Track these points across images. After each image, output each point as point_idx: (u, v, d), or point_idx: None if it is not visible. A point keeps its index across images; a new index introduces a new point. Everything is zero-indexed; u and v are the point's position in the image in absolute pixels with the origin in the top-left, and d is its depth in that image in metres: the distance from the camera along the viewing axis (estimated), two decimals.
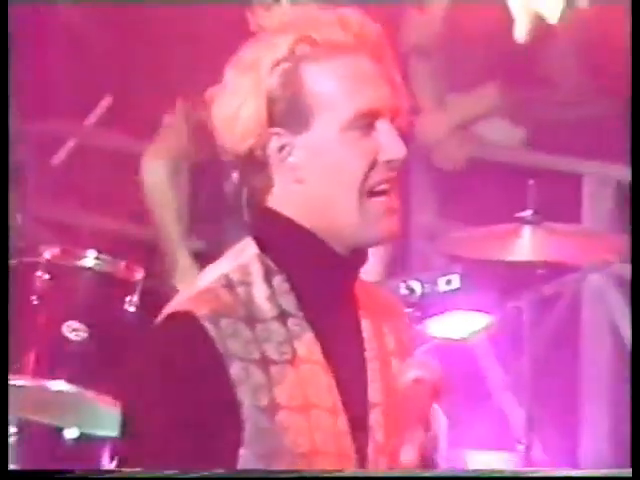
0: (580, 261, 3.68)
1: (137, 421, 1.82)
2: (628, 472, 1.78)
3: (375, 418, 1.84)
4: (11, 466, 3.47)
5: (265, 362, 1.78)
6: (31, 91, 5.00)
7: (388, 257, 3.80)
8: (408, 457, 2.03)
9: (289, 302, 1.85)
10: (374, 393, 1.85)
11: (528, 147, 4.22)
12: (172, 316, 1.81)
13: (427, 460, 2.02)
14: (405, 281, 3.31)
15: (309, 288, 1.87)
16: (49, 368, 3.20)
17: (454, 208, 4.37)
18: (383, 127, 1.78)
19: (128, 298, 3.20)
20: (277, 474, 1.75)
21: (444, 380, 2.23)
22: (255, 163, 1.82)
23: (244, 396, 1.74)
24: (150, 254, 3.91)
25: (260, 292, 1.85)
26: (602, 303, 4.08)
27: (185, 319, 1.79)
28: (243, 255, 1.82)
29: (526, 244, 3.27)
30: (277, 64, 1.77)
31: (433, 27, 4.32)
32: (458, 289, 3.40)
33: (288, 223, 1.81)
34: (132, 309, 3.32)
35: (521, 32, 4.15)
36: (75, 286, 3.38)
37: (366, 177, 1.78)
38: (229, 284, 1.81)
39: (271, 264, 1.82)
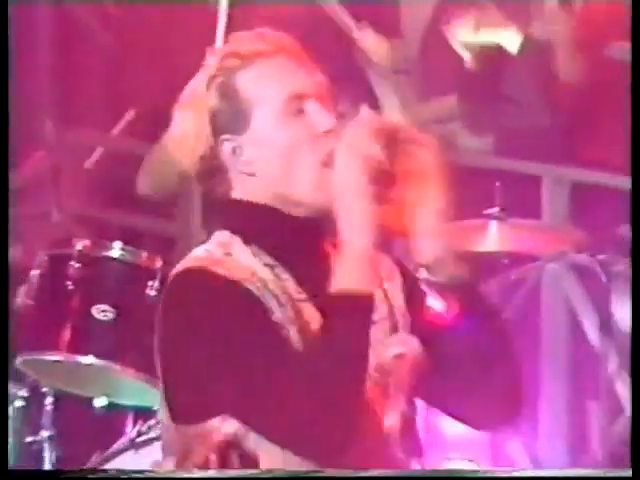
0: (540, 251, 3.95)
1: (193, 374, 1.92)
2: (628, 472, 1.86)
3: None
4: (47, 432, 3.65)
5: (289, 300, 1.94)
6: (68, 103, 5.14)
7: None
8: (391, 423, 2.31)
9: (268, 259, 2.02)
10: None
11: (495, 153, 4.44)
12: (187, 272, 1.95)
13: (407, 426, 2.18)
14: None
15: (281, 252, 2.03)
16: (81, 345, 3.39)
17: None
18: (310, 106, 1.99)
19: (150, 283, 3.36)
20: (277, 474, 1.84)
21: (423, 356, 2.59)
22: (213, 171, 2.03)
23: (290, 331, 1.88)
24: (168, 245, 4.18)
25: (244, 255, 2.02)
26: (559, 289, 4.27)
27: (201, 273, 1.95)
28: (219, 237, 2.00)
29: (493, 237, 3.64)
30: (212, 80, 2.00)
31: (405, 51, 4.67)
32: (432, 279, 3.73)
33: (251, 205, 1.99)
34: (153, 293, 3.34)
35: (471, 63, 4.40)
36: (103, 273, 3.53)
37: (310, 151, 1.98)
38: (214, 256, 1.97)
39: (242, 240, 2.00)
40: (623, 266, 3.75)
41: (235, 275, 1.97)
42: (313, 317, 2.01)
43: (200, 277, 1.98)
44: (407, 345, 2.54)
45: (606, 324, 3.79)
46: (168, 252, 3.83)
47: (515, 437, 4.13)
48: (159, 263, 3.41)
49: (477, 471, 2.81)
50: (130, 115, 5.07)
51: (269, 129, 2.05)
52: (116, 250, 3.41)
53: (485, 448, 3.96)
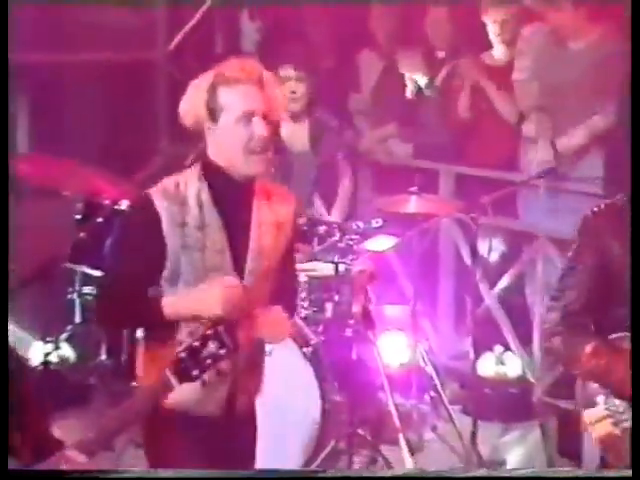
0: (439, 212, 5.37)
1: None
2: (628, 472, 1.97)
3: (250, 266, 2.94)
4: None
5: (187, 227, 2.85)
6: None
7: (346, 212, 5.59)
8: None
9: (208, 197, 2.90)
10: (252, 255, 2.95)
11: (414, 157, 6.11)
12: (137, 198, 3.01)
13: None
14: (355, 222, 5.01)
15: (220, 198, 2.90)
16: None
17: (380, 186, 6.18)
18: (255, 120, 2.84)
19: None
20: (275, 474, 1.95)
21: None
22: (200, 134, 2.88)
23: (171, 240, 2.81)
24: None
25: (192, 189, 2.90)
26: (449, 232, 5.80)
27: (143, 198, 2.85)
28: (192, 169, 2.91)
29: (413, 204, 5.05)
30: (209, 83, 2.84)
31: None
32: (381, 226, 5.00)
33: (216, 165, 2.85)
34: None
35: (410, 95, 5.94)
36: None
37: (246, 145, 2.85)
38: (177, 182, 2.87)
39: (203, 181, 2.87)
40: (486, 221, 4.99)
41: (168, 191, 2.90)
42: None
43: (138, 205, 3.01)
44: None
45: (474, 253, 5.10)
46: None
47: (423, 317, 5.60)
48: None
49: (477, 471, 2.88)
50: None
51: (228, 126, 2.88)
52: None
53: (407, 322, 5.30)
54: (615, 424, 2.99)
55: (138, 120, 5.96)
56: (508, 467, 4.99)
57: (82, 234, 4.87)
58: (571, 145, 5.26)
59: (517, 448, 5.34)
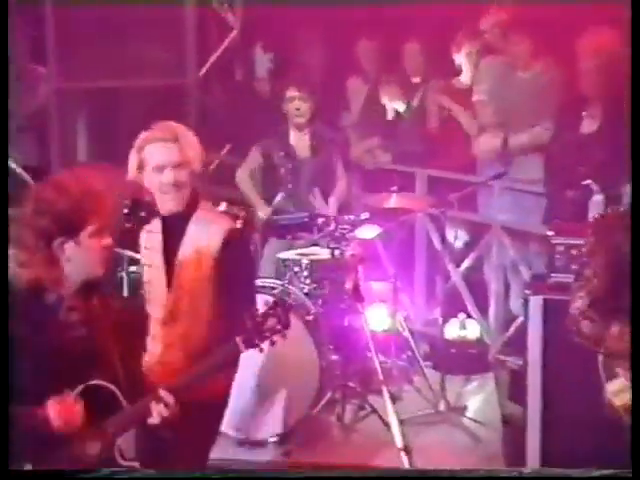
0: (414, 208, 5.78)
1: None
2: (628, 472, 1.99)
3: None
4: None
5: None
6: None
7: (339, 206, 5.83)
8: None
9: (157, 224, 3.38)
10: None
11: (393, 162, 6.51)
12: None
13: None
14: (347, 215, 5.44)
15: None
16: None
17: (367, 186, 6.57)
18: (165, 172, 3.32)
19: None
20: (275, 474, 1.98)
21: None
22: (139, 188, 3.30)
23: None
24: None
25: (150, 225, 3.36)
26: (423, 223, 6.11)
27: None
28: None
29: (393, 201, 5.49)
30: (137, 147, 3.33)
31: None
32: (368, 218, 5.42)
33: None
34: None
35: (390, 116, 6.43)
36: None
37: (159, 186, 3.31)
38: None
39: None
40: (452, 214, 5.40)
41: None
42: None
43: None
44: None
45: (443, 240, 5.56)
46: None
47: (402, 292, 6.05)
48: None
49: (477, 471, 2.69)
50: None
51: (148, 174, 3.37)
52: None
53: (389, 296, 5.71)
54: None
55: None
56: (469, 411, 5.40)
57: (128, 225, 5.11)
58: (518, 142, 5.70)
59: (476, 395, 5.73)
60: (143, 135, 3.38)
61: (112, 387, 2.87)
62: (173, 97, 5.94)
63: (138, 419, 2.92)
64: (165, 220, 3.37)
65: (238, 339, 2.94)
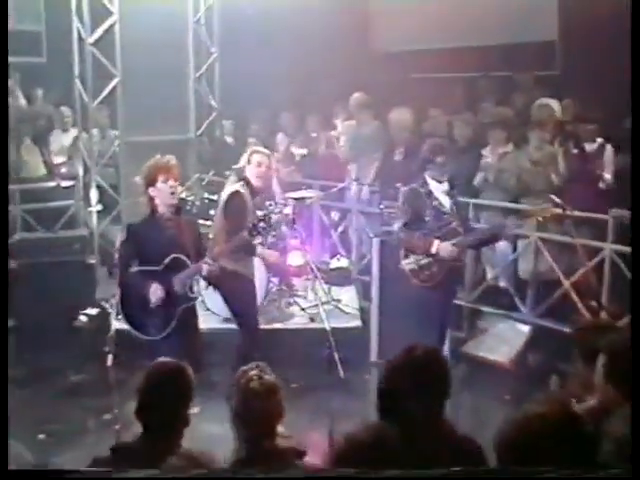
0: (313, 199, 8.96)
1: None
2: (628, 473, 1.93)
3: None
4: None
5: None
6: None
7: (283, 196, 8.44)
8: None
9: None
10: None
11: (303, 177, 9.55)
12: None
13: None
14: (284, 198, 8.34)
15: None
16: None
17: (287, 188, 8.91)
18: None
19: None
20: (275, 474, 1.93)
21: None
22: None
23: None
24: None
25: None
26: (318, 209, 9.32)
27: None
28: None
29: (302, 193, 9.00)
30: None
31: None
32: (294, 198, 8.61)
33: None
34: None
35: None
36: None
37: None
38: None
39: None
40: (330, 202, 8.93)
41: None
42: None
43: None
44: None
45: (328, 216, 9.17)
46: None
47: (308, 245, 8.89)
48: None
49: (478, 471, 2.45)
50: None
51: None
52: None
53: (302, 246, 8.63)
54: None
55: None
56: (342, 302, 8.29)
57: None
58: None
59: (346, 294, 8.54)
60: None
61: (184, 258, 5.07)
62: (176, 150, 7.21)
63: (196, 271, 5.33)
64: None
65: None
